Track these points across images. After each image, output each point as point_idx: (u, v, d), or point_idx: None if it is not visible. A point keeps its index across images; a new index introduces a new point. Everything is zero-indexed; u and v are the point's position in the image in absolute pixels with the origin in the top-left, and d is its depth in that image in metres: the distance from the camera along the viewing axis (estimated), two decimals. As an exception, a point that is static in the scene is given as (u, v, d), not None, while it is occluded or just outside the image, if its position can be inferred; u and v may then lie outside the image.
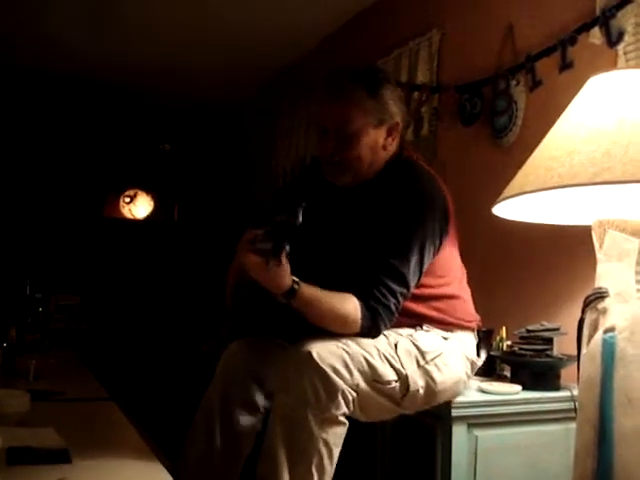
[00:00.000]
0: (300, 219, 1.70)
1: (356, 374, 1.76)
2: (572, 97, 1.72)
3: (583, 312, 1.66)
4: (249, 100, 6.00)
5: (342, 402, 1.73)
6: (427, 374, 1.88)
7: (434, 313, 2.02)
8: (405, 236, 1.90)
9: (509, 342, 2.34)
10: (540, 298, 2.57)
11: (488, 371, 2.32)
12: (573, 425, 1.70)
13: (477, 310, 2.19)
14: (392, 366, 1.83)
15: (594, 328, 1.62)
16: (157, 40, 4.76)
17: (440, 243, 1.98)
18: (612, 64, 2.31)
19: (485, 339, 2.32)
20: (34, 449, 1.76)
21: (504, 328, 2.38)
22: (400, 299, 1.89)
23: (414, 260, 1.90)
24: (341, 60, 4.19)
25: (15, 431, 1.89)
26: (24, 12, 4.27)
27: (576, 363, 1.69)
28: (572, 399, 2.01)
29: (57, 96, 6.04)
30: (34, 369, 2.80)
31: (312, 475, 1.71)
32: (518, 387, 2.09)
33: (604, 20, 2.31)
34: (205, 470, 1.96)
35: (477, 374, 2.22)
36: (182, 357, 5.19)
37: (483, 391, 2.07)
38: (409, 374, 1.84)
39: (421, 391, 1.87)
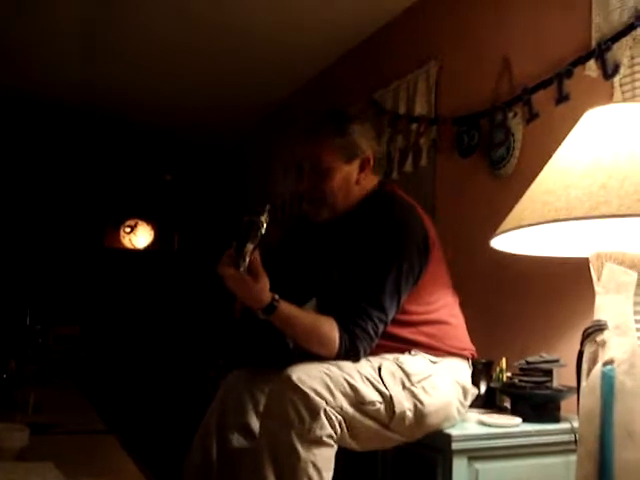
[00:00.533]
0: (263, 219, 1.80)
1: (338, 395, 1.78)
2: (569, 129, 1.74)
3: (582, 345, 1.66)
4: (247, 133, 6.04)
5: (326, 422, 1.74)
6: (414, 396, 1.90)
7: (422, 338, 2.05)
8: (382, 264, 1.97)
9: (509, 374, 2.33)
10: (539, 329, 2.57)
11: (488, 403, 2.32)
12: (574, 458, 1.69)
13: (476, 341, 2.19)
14: (375, 388, 1.86)
15: (593, 361, 1.62)
16: (158, 72, 4.81)
17: (420, 270, 2.03)
18: (608, 96, 2.34)
19: (485, 371, 2.32)
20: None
21: (504, 359, 2.37)
22: (378, 323, 1.93)
23: (390, 286, 1.95)
24: (339, 92, 4.23)
25: (14, 466, 1.89)
26: (25, 41, 4.31)
27: (576, 394, 1.69)
28: (572, 431, 2.00)
29: (59, 127, 6.07)
30: (33, 402, 2.80)
31: None
32: (518, 419, 2.08)
33: (600, 53, 2.34)
34: None
35: (477, 406, 2.21)
36: (181, 387, 5.17)
37: (483, 424, 2.06)
38: (393, 395, 1.86)
39: (409, 413, 1.88)
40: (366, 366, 1.90)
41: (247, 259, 1.78)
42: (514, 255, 1.93)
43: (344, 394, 1.79)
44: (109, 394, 4.60)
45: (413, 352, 2.02)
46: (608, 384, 1.56)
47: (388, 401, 1.85)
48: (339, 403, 1.77)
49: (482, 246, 1.94)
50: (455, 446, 1.93)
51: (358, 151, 2.11)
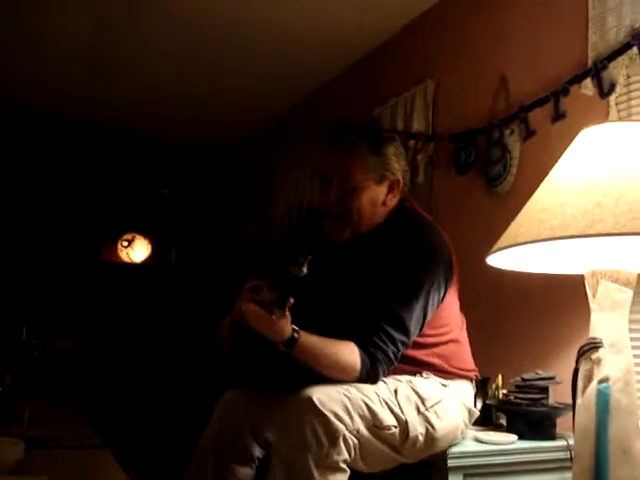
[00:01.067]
0: (305, 271, 1.71)
1: (357, 419, 1.75)
2: (565, 146, 1.76)
3: (577, 362, 1.67)
4: (246, 147, 6.06)
5: (344, 448, 1.71)
6: (427, 421, 1.87)
7: (435, 360, 2.02)
8: (410, 285, 1.92)
9: (505, 391, 2.33)
10: (535, 346, 2.57)
11: (484, 420, 2.31)
12: (569, 475, 1.70)
13: (473, 358, 2.19)
14: (392, 411, 1.83)
15: (589, 378, 1.62)
16: (156, 87, 4.83)
17: (445, 293, 2.00)
18: (604, 114, 2.35)
19: (481, 387, 2.32)
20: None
21: (500, 376, 2.37)
22: (400, 347, 1.89)
23: (418, 309, 1.91)
24: (337, 108, 4.25)
25: (8, 480, 1.88)
26: (25, 54, 4.33)
27: (572, 412, 1.70)
28: (568, 448, 2.00)
29: (56, 140, 6.09)
30: (28, 416, 2.79)
31: None
32: (514, 437, 2.08)
33: (596, 71, 2.35)
34: None
35: (473, 423, 2.21)
36: (177, 402, 5.16)
37: (479, 441, 2.06)
38: (409, 420, 1.83)
39: (421, 438, 1.85)
40: (384, 389, 1.87)
41: (287, 313, 1.72)
42: (510, 272, 1.94)
43: (362, 417, 1.76)
44: (105, 408, 4.58)
45: (425, 374, 1.99)
46: (603, 402, 1.57)
47: (403, 426, 1.83)
48: (356, 426, 1.74)
49: (478, 263, 1.95)
50: (451, 463, 1.92)
51: (389, 172, 2.03)
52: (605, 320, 1.63)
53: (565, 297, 2.35)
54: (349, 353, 1.83)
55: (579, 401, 1.63)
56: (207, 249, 6.99)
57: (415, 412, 1.86)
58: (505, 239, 1.68)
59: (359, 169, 1.99)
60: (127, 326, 6.67)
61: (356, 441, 1.75)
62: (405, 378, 1.94)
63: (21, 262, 6.37)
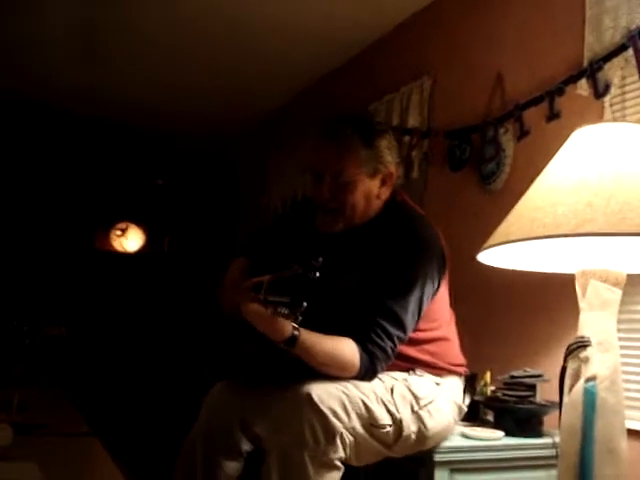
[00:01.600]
0: (318, 274, 1.63)
1: (354, 417, 1.75)
2: (559, 146, 1.76)
3: (565, 360, 1.68)
4: (241, 139, 6.06)
5: (340, 446, 1.71)
6: (420, 420, 1.88)
7: (426, 357, 2.02)
8: (404, 280, 1.91)
9: (493, 387, 2.35)
10: (524, 344, 2.58)
11: (471, 416, 2.31)
12: (555, 472, 1.71)
13: (462, 354, 2.20)
14: (388, 410, 1.83)
15: (576, 377, 1.63)
16: (152, 77, 4.82)
17: (438, 287, 2.00)
18: (599, 115, 2.37)
19: (469, 384, 2.32)
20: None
21: (488, 373, 2.39)
22: (397, 342, 1.89)
23: (413, 304, 1.90)
24: (333, 102, 4.25)
25: (-4, 465, 1.88)
26: (20, 42, 4.31)
27: (559, 410, 1.71)
28: (554, 446, 2.01)
29: (51, 130, 6.07)
30: (18, 402, 2.79)
31: None
32: (501, 433, 2.10)
33: (591, 72, 2.36)
34: None
35: (460, 419, 2.22)
36: (168, 392, 5.16)
37: (466, 436, 2.07)
38: (403, 419, 1.84)
39: (413, 436, 1.86)
40: (380, 387, 1.86)
41: (300, 317, 1.63)
42: (501, 269, 1.95)
43: (359, 415, 1.76)
44: (95, 397, 4.58)
45: (419, 372, 1.99)
46: (590, 400, 1.58)
47: (398, 424, 1.83)
48: (353, 424, 1.74)
49: (470, 260, 1.96)
50: (437, 458, 1.93)
51: (382, 165, 2.00)
52: (594, 319, 1.64)
53: (555, 296, 2.36)
54: (348, 350, 1.82)
55: (566, 399, 1.65)
56: (200, 239, 6.98)
57: (409, 411, 1.86)
58: (496, 236, 1.69)
59: (352, 163, 1.96)
60: (119, 315, 6.66)
61: (352, 439, 1.75)
62: (401, 376, 1.94)
63: (15, 249, 6.35)
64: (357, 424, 1.75)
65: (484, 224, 1.91)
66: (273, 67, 4.45)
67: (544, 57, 2.66)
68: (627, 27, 2.26)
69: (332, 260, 2.02)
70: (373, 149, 1.99)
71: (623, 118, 2.32)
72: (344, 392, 1.76)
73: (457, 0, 3.27)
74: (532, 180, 1.75)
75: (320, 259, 1.64)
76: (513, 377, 2.21)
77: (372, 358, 1.84)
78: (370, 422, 1.78)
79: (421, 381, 1.96)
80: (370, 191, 2.01)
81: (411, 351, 1.99)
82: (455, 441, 2.03)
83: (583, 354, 1.62)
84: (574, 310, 1.72)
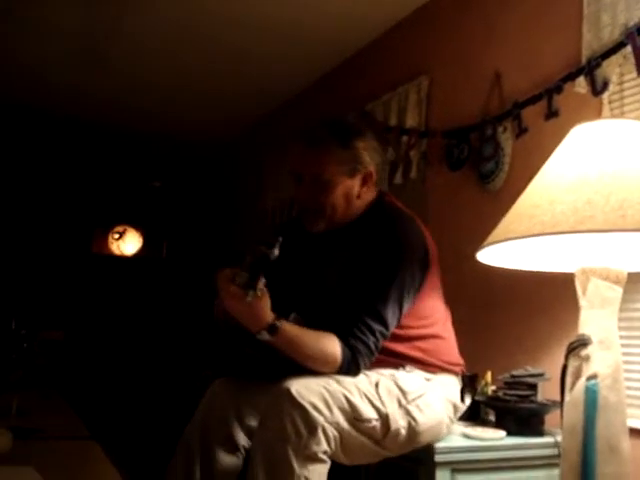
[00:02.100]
0: (276, 252, 1.74)
1: (336, 411, 1.76)
2: (557, 144, 1.76)
3: (566, 359, 1.67)
4: (238, 141, 6.05)
5: (323, 439, 1.73)
6: (409, 414, 1.88)
7: (417, 354, 2.03)
8: (384, 277, 1.95)
9: (494, 387, 2.34)
10: (524, 343, 2.57)
11: (473, 416, 2.32)
12: (557, 471, 1.70)
13: (462, 354, 2.19)
14: (373, 404, 1.84)
15: (577, 375, 1.63)
16: (148, 80, 4.80)
17: (420, 284, 2.02)
18: (597, 113, 2.36)
19: (470, 384, 2.32)
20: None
21: (489, 373, 2.38)
22: (379, 338, 1.91)
23: (392, 300, 1.93)
24: (330, 103, 4.25)
25: (-5, 470, 1.87)
26: (15, 47, 4.29)
27: (560, 408, 1.70)
28: (556, 445, 2.01)
29: (47, 133, 6.06)
30: (16, 406, 2.78)
31: None
32: (502, 433, 2.09)
33: (589, 69, 2.35)
34: None
35: (461, 419, 2.21)
36: (167, 396, 5.15)
37: (467, 436, 2.07)
38: (390, 413, 1.85)
39: (403, 431, 1.87)
40: (364, 382, 1.88)
41: (258, 293, 1.73)
42: (500, 269, 1.94)
43: (342, 410, 1.77)
44: (94, 400, 4.57)
45: (408, 368, 2.00)
46: (591, 399, 1.57)
47: (384, 419, 1.84)
48: (336, 419, 1.76)
49: (469, 259, 1.95)
50: (438, 458, 1.93)
51: (360, 166, 2.06)
52: (594, 317, 1.64)
53: (555, 294, 2.35)
54: (330, 344, 1.85)
55: (567, 398, 1.64)
56: (198, 243, 6.97)
57: (396, 405, 1.88)
58: (495, 235, 1.68)
59: (330, 163, 2.02)
60: (117, 319, 6.66)
61: (336, 433, 1.76)
62: (388, 372, 1.96)
63: (12, 253, 6.34)
64: (340, 418, 1.77)
65: (483, 223, 1.91)
66: (269, 68, 4.44)
67: (542, 55, 2.66)
68: (625, 24, 2.25)
69: (317, 259, 2.15)
70: (350, 149, 2.04)
71: (622, 115, 2.31)
72: (325, 387, 1.78)
73: (454, -1, 3.26)
74: (531, 179, 1.74)
75: (278, 236, 1.75)
76: (514, 376, 2.20)
77: (354, 352, 1.87)
78: (354, 416, 1.80)
79: (409, 376, 1.98)
80: (350, 191, 2.07)
81: (400, 347, 2.02)
82: (456, 441, 2.03)
83: (584, 352, 1.62)
84: (574, 308, 1.72)
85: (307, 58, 4.25)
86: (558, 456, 1.72)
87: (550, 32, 2.63)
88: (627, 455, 1.58)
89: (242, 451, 2.01)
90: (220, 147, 6.30)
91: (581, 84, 2.40)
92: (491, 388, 2.34)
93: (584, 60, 2.39)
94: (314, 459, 1.72)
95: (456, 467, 1.96)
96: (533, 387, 2.17)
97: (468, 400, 2.21)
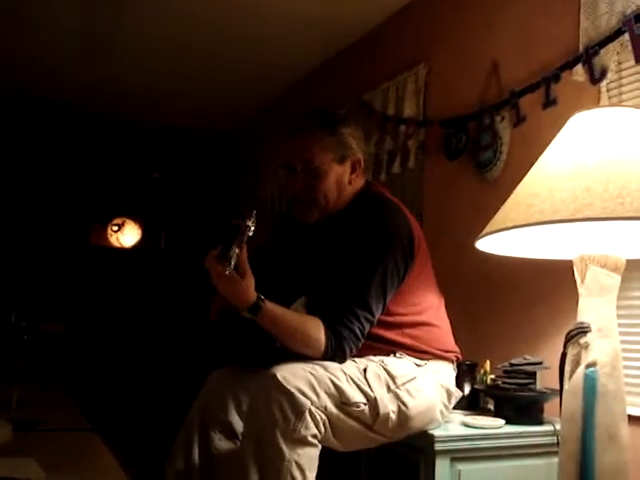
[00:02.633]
0: (251, 225, 1.79)
1: (323, 396, 1.78)
2: (555, 133, 1.76)
3: (565, 347, 1.67)
4: (236, 132, 6.05)
5: (311, 422, 1.75)
6: (398, 398, 1.90)
7: (407, 340, 2.05)
8: (367, 264, 1.98)
9: (493, 375, 2.34)
10: (523, 331, 2.58)
11: (472, 405, 2.32)
12: (556, 459, 1.70)
13: (461, 342, 2.20)
14: (360, 389, 1.86)
15: (576, 363, 1.63)
16: (149, 72, 4.81)
17: (405, 271, 2.04)
18: (595, 101, 2.35)
19: (469, 372, 2.33)
20: (13, 480, 1.75)
21: (488, 362, 2.38)
22: (364, 323, 1.93)
23: (376, 286, 1.95)
24: (329, 93, 4.24)
25: (-4, 461, 1.88)
26: (16, 37, 4.29)
27: (559, 397, 1.70)
28: (555, 433, 2.01)
29: (46, 124, 6.05)
30: (16, 398, 2.78)
31: None
32: (501, 421, 2.09)
33: (587, 58, 2.35)
34: None
35: (461, 407, 2.22)
36: (167, 387, 5.16)
37: (466, 425, 2.07)
38: (378, 397, 1.86)
39: (393, 416, 1.88)
40: (351, 367, 1.90)
41: (232, 262, 1.76)
42: (499, 257, 1.94)
43: (329, 394, 1.80)
44: (94, 392, 4.58)
45: (398, 354, 2.03)
46: (590, 386, 1.57)
47: (372, 403, 1.86)
48: (323, 403, 1.78)
49: (468, 248, 1.96)
50: (438, 447, 1.93)
51: (349, 152, 2.12)
52: (593, 305, 1.64)
53: (554, 282, 2.36)
54: (314, 327, 1.88)
55: (566, 386, 1.64)
56: (197, 234, 6.96)
57: (385, 390, 1.90)
58: (494, 223, 1.68)
59: (319, 150, 2.08)
60: (117, 311, 6.65)
61: (324, 417, 1.78)
62: (377, 358, 1.99)
63: (11, 245, 6.33)
64: (328, 403, 1.79)
65: (482, 212, 1.91)
66: (268, 57, 4.43)
67: (539, 44, 2.65)
68: (623, 12, 2.25)
69: (308, 249, 2.21)
70: (337, 135, 2.10)
71: (620, 103, 2.31)
72: (311, 372, 1.81)
73: (451, -12, 3.25)
74: (529, 167, 1.74)
75: (254, 211, 1.81)
76: (513, 365, 2.21)
77: (339, 337, 1.89)
78: (342, 400, 1.82)
79: (399, 362, 2.00)
80: (341, 177, 2.12)
81: (391, 334, 2.04)
82: (455, 430, 2.03)
83: (583, 340, 1.62)
84: (573, 296, 1.72)
85: (305, 48, 4.24)
86: (557, 444, 1.72)
87: (548, 21, 2.62)
88: (626, 443, 1.58)
89: (240, 437, 2.03)
90: (219, 137, 6.29)
91: (579, 72, 2.39)
92: (490, 377, 2.35)
93: (582, 48, 2.39)
94: (304, 443, 1.74)
95: (456, 455, 1.96)
96: (532, 375, 2.17)
97: (467, 389, 2.21)
